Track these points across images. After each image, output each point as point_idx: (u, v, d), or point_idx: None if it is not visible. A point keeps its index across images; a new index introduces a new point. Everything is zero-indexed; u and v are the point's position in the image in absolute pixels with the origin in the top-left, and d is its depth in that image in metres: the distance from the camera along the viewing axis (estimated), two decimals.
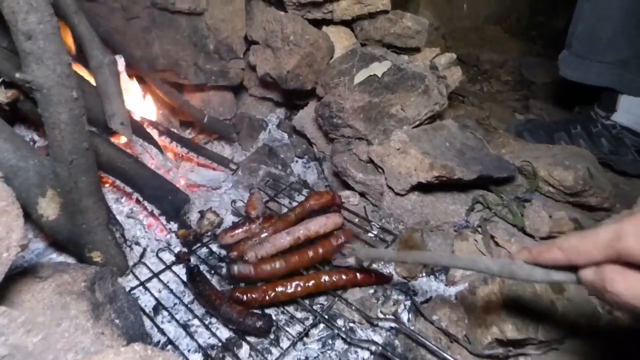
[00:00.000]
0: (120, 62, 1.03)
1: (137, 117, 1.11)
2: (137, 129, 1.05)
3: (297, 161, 1.37)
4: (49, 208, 0.79)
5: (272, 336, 0.77)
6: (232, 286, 0.86)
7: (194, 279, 0.83)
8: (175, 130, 1.26)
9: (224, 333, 0.79)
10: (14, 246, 0.49)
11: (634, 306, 0.40)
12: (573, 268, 0.47)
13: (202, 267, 0.90)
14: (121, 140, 1.04)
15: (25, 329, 0.42)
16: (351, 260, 0.82)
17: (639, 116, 1.29)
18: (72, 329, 0.45)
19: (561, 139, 1.37)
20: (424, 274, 0.92)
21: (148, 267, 0.90)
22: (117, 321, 0.60)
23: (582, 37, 1.32)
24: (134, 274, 0.88)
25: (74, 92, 0.71)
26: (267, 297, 0.79)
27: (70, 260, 0.87)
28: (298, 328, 0.79)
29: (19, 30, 0.64)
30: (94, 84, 0.98)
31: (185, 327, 0.79)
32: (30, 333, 0.42)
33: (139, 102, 1.19)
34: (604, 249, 0.43)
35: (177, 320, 0.80)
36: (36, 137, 1.04)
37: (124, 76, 1.06)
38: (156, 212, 0.97)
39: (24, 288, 0.56)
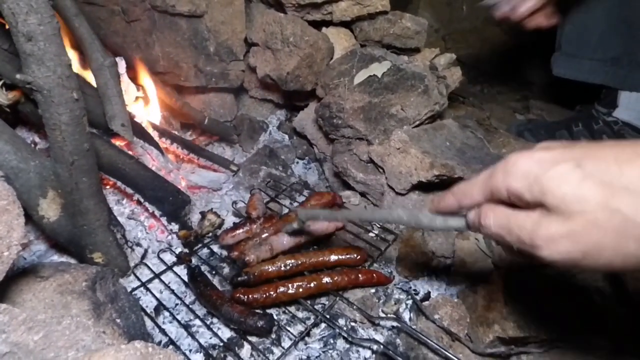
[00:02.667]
0: (121, 64, 1.04)
1: (137, 119, 1.12)
2: (138, 130, 1.05)
3: (297, 162, 1.38)
4: (50, 209, 0.79)
5: (273, 336, 0.77)
6: (233, 287, 0.85)
7: (195, 280, 0.83)
8: (176, 132, 1.27)
9: (226, 333, 0.79)
10: (14, 245, 0.49)
11: (498, 235, 0.46)
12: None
13: (204, 268, 0.90)
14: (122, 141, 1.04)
15: (26, 327, 0.42)
16: (295, 225, 0.85)
17: (636, 111, 1.29)
18: (73, 327, 0.45)
19: (563, 137, 1.37)
20: (425, 274, 0.92)
21: (149, 268, 0.90)
22: (118, 321, 0.60)
23: (570, 37, 1.34)
24: (135, 274, 0.88)
25: (74, 93, 0.72)
26: (269, 298, 0.79)
27: (72, 261, 0.87)
28: (299, 328, 0.79)
29: (19, 32, 0.64)
30: (94, 85, 0.98)
31: (186, 327, 0.79)
32: (31, 331, 0.42)
33: (139, 104, 1.19)
34: (481, 189, 0.48)
35: (178, 321, 0.80)
36: (37, 139, 1.05)
37: (124, 78, 1.07)
38: (157, 213, 0.97)
39: (25, 287, 0.57)
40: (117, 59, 1.02)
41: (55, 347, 0.43)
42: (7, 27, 0.77)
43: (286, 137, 1.45)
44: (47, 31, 0.65)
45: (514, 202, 0.45)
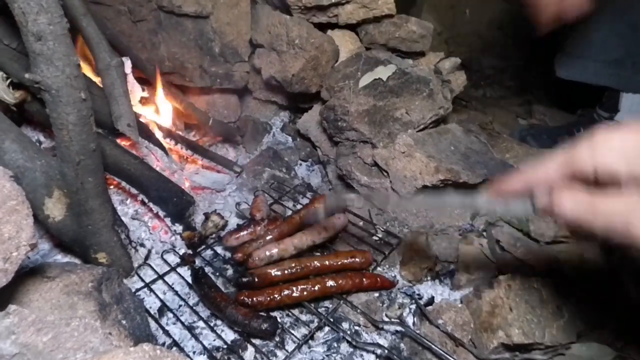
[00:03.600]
0: (127, 64, 1.04)
1: (142, 119, 1.12)
2: (143, 130, 1.05)
3: (301, 164, 1.38)
4: (55, 209, 0.79)
5: (277, 339, 0.77)
6: (237, 289, 0.85)
7: (199, 281, 0.83)
8: (180, 133, 1.27)
9: (229, 335, 0.78)
10: (23, 245, 0.49)
11: (578, 221, 0.42)
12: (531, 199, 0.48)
13: (207, 269, 0.90)
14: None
15: (36, 328, 0.42)
16: (321, 212, 0.83)
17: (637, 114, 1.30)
18: (81, 329, 0.45)
19: (565, 142, 1.37)
20: (429, 278, 0.92)
21: (153, 269, 0.90)
22: (123, 322, 0.60)
23: (575, 38, 1.34)
24: (139, 275, 0.88)
25: (82, 93, 0.72)
26: (273, 300, 0.79)
27: (76, 261, 0.87)
28: (303, 331, 0.79)
29: (29, 31, 0.65)
30: (101, 85, 0.98)
31: (190, 328, 0.78)
32: (41, 332, 0.42)
33: (145, 104, 1.19)
34: (559, 167, 0.44)
35: (182, 322, 0.79)
36: (42, 138, 1.05)
37: (130, 78, 1.07)
38: (161, 213, 0.97)
39: (32, 287, 0.57)
40: (124, 59, 1.02)
41: (64, 348, 0.43)
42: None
43: (290, 139, 1.44)
44: (57, 31, 0.66)
45: (601, 181, 0.41)
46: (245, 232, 0.96)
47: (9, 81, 0.84)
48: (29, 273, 0.60)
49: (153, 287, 0.86)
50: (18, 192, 0.52)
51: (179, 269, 0.91)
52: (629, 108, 1.31)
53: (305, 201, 1.17)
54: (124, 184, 0.97)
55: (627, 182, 0.39)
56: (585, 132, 1.28)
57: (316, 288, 0.82)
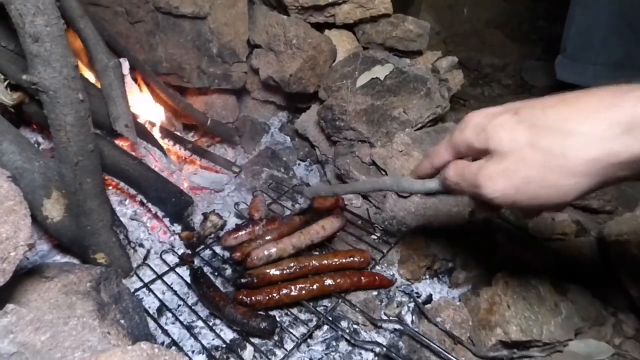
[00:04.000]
0: (125, 65, 1.04)
1: (141, 120, 1.12)
2: (141, 131, 1.06)
3: (299, 164, 1.38)
4: (53, 209, 0.79)
5: (276, 338, 0.77)
6: (236, 288, 0.86)
7: (198, 281, 0.83)
8: (179, 133, 1.27)
9: (228, 334, 0.79)
10: (21, 245, 0.49)
11: (456, 184, 0.52)
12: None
13: (206, 269, 0.90)
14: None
15: (34, 327, 0.42)
16: (303, 203, 0.92)
17: None
18: (79, 328, 0.45)
19: None
20: (427, 276, 0.92)
21: (152, 269, 0.90)
22: (122, 321, 0.61)
23: (575, 40, 1.35)
24: (137, 275, 0.88)
25: (79, 94, 0.72)
26: (271, 299, 0.79)
27: (75, 261, 0.87)
28: (302, 329, 0.79)
29: (26, 33, 0.65)
30: (99, 86, 0.99)
31: (189, 328, 0.79)
32: (39, 331, 0.42)
33: (142, 104, 1.19)
34: (446, 147, 0.55)
35: (181, 322, 0.80)
36: (40, 140, 1.05)
37: (128, 79, 1.07)
38: (160, 214, 0.97)
39: (30, 287, 0.57)
40: (121, 60, 1.02)
41: (62, 347, 0.43)
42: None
43: (288, 138, 1.45)
44: (54, 32, 0.66)
45: (471, 154, 0.51)
46: (243, 232, 0.96)
47: (6, 83, 0.84)
48: (27, 273, 0.60)
49: (152, 287, 0.87)
50: (16, 193, 0.52)
51: (177, 269, 0.91)
52: None
53: (303, 200, 1.17)
54: (122, 184, 0.98)
55: (479, 150, 0.49)
56: None
57: (315, 287, 0.82)
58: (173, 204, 0.98)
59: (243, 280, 0.82)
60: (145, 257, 0.93)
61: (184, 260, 0.92)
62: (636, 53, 1.27)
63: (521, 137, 0.44)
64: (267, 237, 0.93)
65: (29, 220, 0.51)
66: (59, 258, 0.90)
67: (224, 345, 0.76)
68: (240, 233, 0.95)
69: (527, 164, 0.44)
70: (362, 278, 0.85)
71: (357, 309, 0.82)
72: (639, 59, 1.27)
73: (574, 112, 0.43)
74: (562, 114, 0.43)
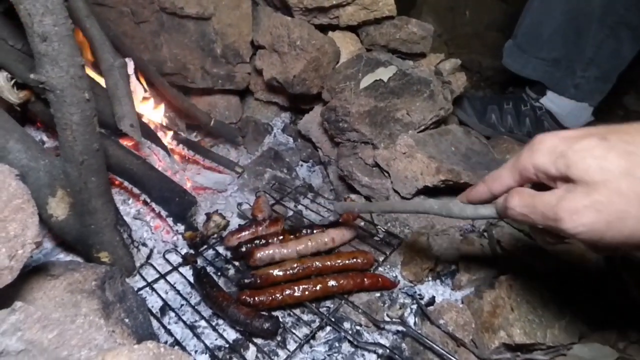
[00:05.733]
0: (130, 65, 1.05)
1: (145, 120, 1.12)
2: (145, 131, 1.06)
3: (302, 165, 1.38)
4: (58, 208, 0.79)
5: (279, 338, 0.78)
6: (239, 289, 0.86)
7: (201, 281, 0.83)
8: (182, 133, 1.27)
9: (231, 334, 0.79)
10: (29, 243, 0.49)
11: (524, 215, 0.47)
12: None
13: (209, 269, 0.90)
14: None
15: (41, 325, 0.42)
16: (332, 217, 0.93)
17: (559, 105, 1.40)
18: (86, 326, 0.45)
19: (493, 112, 1.45)
20: (430, 278, 0.92)
21: (155, 268, 0.90)
22: (126, 320, 0.61)
23: (527, 30, 1.41)
24: (141, 274, 0.89)
25: (86, 93, 0.72)
26: (274, 300, 0.80)
27: (78, 260, 0.88)
28: (305, 330, 0.80)
29: (35, 32, 0.65)
30: (104, 86, 0.99)
31: (192, 328, 0.79)
32: (46, 329, 0.42)
33: (147, 104, 1.20)
34: (510, 171, 0.50)
35: (184, 321, 0.80)
36: (45, 138, 1.05)
37: (133, 79, 1.07)
38: (163, 213, 0.98)
39: (36, 285, 0.57)
40: (126, 59, 1.02)
41: (68, 345, 0.43)
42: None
43: (291, 139, 1.45)
44: (62, 32, 0.66)
45: (541, 180, 0.46)
46: (246, 233, 0.96)
47: (13, 81, 0.85)
48: (33, 271, 0.60)
49: (155, 286, 0.87)
50: (24, 191, 0.52)
51: (180, 269, 0.91)
52: (553, 97, 1.41)
53: (306, 202, 1.17)
54: (126, 183, 0.98)
55: (555, 178, 0.44)
56: (512, 108, 1.31)
57: (318, 288, 0.82)
58: (177, 203, 0.98)
59: (246, 281, 0.83)
60: (149, 257, 0.94)
61: (187, 260, 0.93)
62: (573, 53, 1.33)
63: (614, 165, 0.39)
64: (271, 241, 0.93)
65: (36, 218, 0.52)
66: (63, 256, 0.90)
67: (227, 345, 0.76)
68: (243, 233, 0.96)
69: (624, 197, 0.38)
70: (365, 279, 0.85)
71: (359, 311, 0.82)
72: (574, 60, 1.34)
73: None
74: None
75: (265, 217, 1.00)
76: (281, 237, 0.93)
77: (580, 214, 0.41)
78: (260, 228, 0.97)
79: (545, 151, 0.44)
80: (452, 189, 1.00)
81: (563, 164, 0.42)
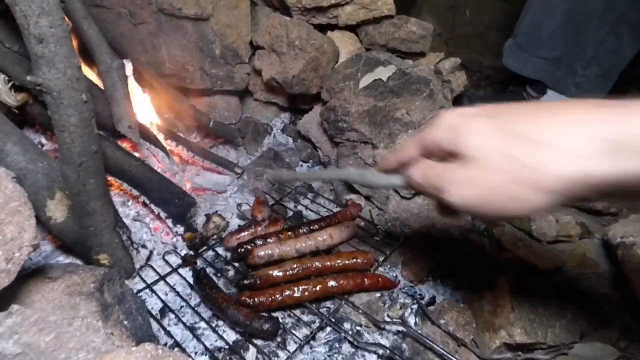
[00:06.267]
0: (128, 67, 1.04)
1: (143, 121, 1.12)
2: (144, 132, 1.06)
3: (301, 165, 1.38)
4: (57, 210, 0.79)
5: (279, 339, 0.77)
6: (238, 290, 0.85)
7: (201, 282, 0.83)
8: (181, 134, 1.27)
9: (231, 336, 0.78)
10: (25, 246, 0.49)
11: (420, 185, 0.50)
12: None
13: (208, 270, 0.90)
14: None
15: (38, 328, 0.42)
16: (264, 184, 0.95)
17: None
18: (83, 329, 0.45)
19: None
20: (430, 278, 0.92)
21: (154, 270, 0.90)
22: (125, 322, 0.60)
23: (527, 29, 1.41)
24: (140, 276, 0.88)
25: (83, 95, 0.72)
26: (274, 301, 0.79)
27: (77, 262, 0.87)
28: (305, 331, 0.79)
29: (31, 34, 0.65)
30: (102, 87, 0.99)
31: (192, 329, 0.79)
32: (43, 332, 0.42)
33: (145, 105, 1.20)
34: (415, 144, 0.53)
35: (183, 323, 0.79)
36: (44, 141, 1.05)
37: (131, 80, 1.07)
38: (163, 215, 0.97)
39: (34, 288, 0.57)
40: (124, 61, 1.02)
41: (66, 348, 0.43)
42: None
43: (290, 140, 1.45)
44: (58, 33, 0.66)
45: (440, 154, 0.49)
46: (246, 233, 0.96)
47: (10, 84, 0.85)
48: (31, 274, 0.60)
49: (155, 288, 0.86)
50: (20, 194, 0.52)
51: (180, 270, 0.91)
52: (554, 95, 1.41)
53: (306, 202, 1.17)
54: (125, 185, 0.98)
55: (449, 152, 0.47)
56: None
57: (318, 288, 0.82)
58: (176, 205, 0.98)
59: (246, 282, 0.82)
60: (148, 258, 0.93)
61: (186, 261, 0.92)
62: (573, 52, 1.33)
63: (494, 144, 0.42)
64: (270, 240, 0.93)
65: (33, 221, 0.51)
66: (62, 259, 0.90)
67: (227, 347, 0.76)
68: (243, 234, 0.95)
69: (496, 172, 0.41)
70: (365, 280, 0.85)
71: (360, 311, 0.82)
72: (574, 59, 1.34)
73: (552, 124, 0.39)
74: (540, 124, 0.40)
75: (264, 218, 0.99)
76: (281, 236, 0.93)
77: (460, 187, 0.44)
78: (260, 228, 0.97)
79: (443, 127, 0.47)
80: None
81: (454, 140, 0.45)
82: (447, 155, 0.47)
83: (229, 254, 0.96)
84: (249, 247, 0.91)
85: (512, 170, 0.40)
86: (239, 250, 0.91)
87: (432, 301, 0.87)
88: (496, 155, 0.41)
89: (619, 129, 0.36)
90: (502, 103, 0.46)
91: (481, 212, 0.44)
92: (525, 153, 0.40)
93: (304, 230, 0.96)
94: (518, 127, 0.41)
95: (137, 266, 0.90)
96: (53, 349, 0.42)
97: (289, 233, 0.93)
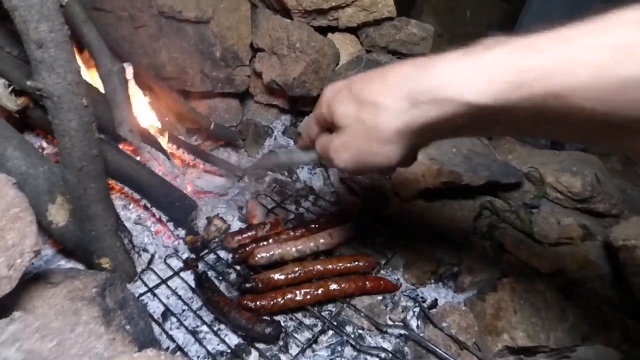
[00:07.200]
0: (129, 70, 1.04)
1: (144, 124, 1.12)
2: (145, 135, 1.06)
3: (302, 167, 1.37)
4: (58, 215, 0.79)
5: (281, 343, 0.77)
6: (240, 293, 0.85)
7: (203, 286, 0.83)
8: (182, 137, 1.27)
9: (233, 339, 0.78)
10: (27, 252, 0.49)
11: (321, 156, 0.58)
12: None
13: (210, 274, 0.89)
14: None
15: (40, 335, 0.42)
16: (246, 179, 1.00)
17: None
18: (85, 335, 0.45)
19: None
20: (432, 281, 0.92)
21: (156, 274, 0.90)
22: (127, 327, 0.60)
23: (527, 30, 1.39)
24: (142, 280, 0.88)
25: (84, 99, 0.72)
26: (276, 304, 0.79)
27: (79, 266, 0.87)
28: (307, 335, 0.79)
29: (31, 39, 0.65)
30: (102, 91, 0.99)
31: (194, 333, 0.78)
32: (45, 339, 0.42)
33: (146, 109, 1.19)
34: (313, 121, 0.58)
35: (185, 327, 0.79)
36: (44, 144, 1.05)
37: (132, 84, 1.07)
38: (164, 218, 0.97)
39: (35, 294, 0.57)
40: (125, 64, 1.02)
41: (68, 354, 0.43)
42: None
43: (291, 142, 1.44)
44: (58, 38, 0.66)
45: (328, 127, 0.55)
46: (247, 234, 0.96)
47: (11, 88, 0.85)
48: (32, 279, 0.60)
49: (156, 291, 0.86)
50: (21, 199, 0.52)
51: (182, 274, 0.91)
52: None
53: (307, 205, 1.17)
54: (126, 189, 0.97)
55: (332, 125, 0.52)
56: None
57: (319, 292, 0.81)
58: (177, 208, 0.97)
59: (247, 285, 0.82)
60: (150, 262, 0.93)
61: (188, 264, 0.92)
62: None
63: (351, 111, 0.48)
64: (270, 241, 0.93)
65: (35, 227, 0.51)
66: (64, 263, 0.89)
67: (229, 351, 0.76)
68: (243, 235, 0.95)
69: (357, 136, 0.48)
70: (367, 283, 0.84)
71: (362, 314, 0.82)
72: None
73: (384, 86, 0.46)
74: (376, 87, 0.46)
75: (262, 221, 0.99)
76: (282, 237, 0.93)
77: (339, 153, 0.51)
78: (260, 232, 0.97)
79: (324, 102, 0.53)
80: (453, 190, 1.00)
81: (330, 113, 0.51)
82: (334, 127, 0.53)
83: (230, 257, 0.96)
84: (249, 248, 0.91)
85: (363, 131, 0.47)
86: (239, 252, 0.91)
87: (434, 304, 0.87)
88: (353, 122, 0.48)
89: (416, 85, 0.43)
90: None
91: (360, 170, 0.52)
92: (368, 116, 0.47)
93: (304, 230, 0.96)
94: (362, 93, 0.47)
95: (139, 270, 0.89)
96: (55, 356, 0.42)
97: (290, 233, 0.93)
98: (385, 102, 0.45)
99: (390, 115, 0.45)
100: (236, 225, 1.08)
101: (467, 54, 0.41)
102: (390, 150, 0.47)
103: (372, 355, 0.76)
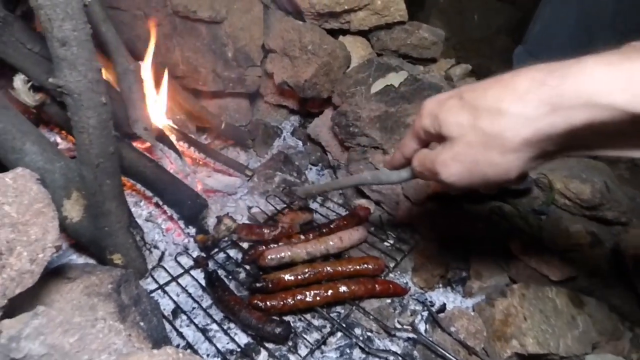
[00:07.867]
0: (144, 69, 1.05)
1: (157, 123, 1.13)
2: (158, 134, 1.07)
3: (311, 168, 1.38)
4: (73, 210, 0.80)
5: (290, 343, 0.78)
6: (250, 293, 0.86)
7: (213, 284, 0.84)
8: (192, 136, 1.28)
9: (243, 338, 0.79)
10: (49, 247, 0.50)
11: (421, 172, 0.55)
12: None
13: (220, 272, 0.90)
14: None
15: (63, 329, 0.43)
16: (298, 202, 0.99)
17: None
18: (106, 330, 0.45)
19: None
20: (441, 285, 0.92)
21: (167, 271, 0.91)
22: (142, 324, 0.61)
23: (538, 36, 1.41)
24: (152, 277, 0.89)
25: (103, 97, 0.73)
26: (286, 305, 0.80)
27: (90, 261, 0.88)
28: (316, 336, 0.80)
29: (54, 37, 0.66)
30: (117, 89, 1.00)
31: (204, 331, 0.79)
32: (67, 333, 0.43)
33: (159, 107, 1.20)
34: (411, 137, 0.57)
35: (195, 325, 0.80)
36: (59, 140, 1.06)
37: (147, 82, 1.08)
38: (175, 216, 0.98)
39: (54, 288, 0.57)
40: (140, 63, 1.03)
41: (89, 350, 0.44)
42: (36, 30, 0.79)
43: (300, 143, 1.45)
44: (81, 37, 0.67)
45: (431, 140, 0.53)
46: (260, 230, 0.97)
47: (30, 84, 0.86)
48: (49, 274, 0.61)
49: (167, 289, 0.87)
50: (44, 195, 0.53)
51: (192, 272, 0.92)
52: None
53: (315, 205, 1.17)
54: (138, 186, 0.98)
55: (437, 137, 0.51)
56: None
57: (329, 293, 0.82)
58: (188, 206, 0.98)
59: (258, 285, 0.83)
60: (160, 259, 0.94)
61: (198, 263, 0.93)
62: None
63: (465, 120, 0.46)
64: (281, 243, 0.93)
65: (56, 222, 0.52)
66: (75, 257, 0.90)
67: (239, 350, 0.76)
68: (257, 230, 0.96)
69: (473, 146, 0.45)
70: (376, 285, 0.85)
71: (371, 317, 0.82)
72: None
73: (508, 93, 0.43)
74: (498, 94, 0.44)
75: (275, 224, 1.00)
76: (293, 240, 0.94)
77: (448, 166, 0.48)
78: (273, 232, 0.97)
79: (426, 114, 0.51)
80: (462, 195, 1.00)
81: (437, 124, 0.49)
82: (438, 140, 0.51)
83: (240, 257, 0.96)
84: (259, 249, 0.91)
85: (481, 141, 0.45)
86: (250, 252, 0.92)
87: (442, 308, 0.87)
88: (468, 130, 0.46)
89: (556, 91, 0.41)
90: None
91: (473, 184, 0.48)
92: (487, 123, 0.44)
93: (315, 233, 0.96)
94: (482, 100, 0.45)
95: (150, 267, 0.90)
96: (77, 351, 0.43)
97: (301, 237, 0.94)
98: (512, 109, 0.42)
99: (519, 122, 0.42)
100: None
101: (620, 60, 0.40)
102: (512, 160, 0.44)
103: (380, 358, 0.77)
